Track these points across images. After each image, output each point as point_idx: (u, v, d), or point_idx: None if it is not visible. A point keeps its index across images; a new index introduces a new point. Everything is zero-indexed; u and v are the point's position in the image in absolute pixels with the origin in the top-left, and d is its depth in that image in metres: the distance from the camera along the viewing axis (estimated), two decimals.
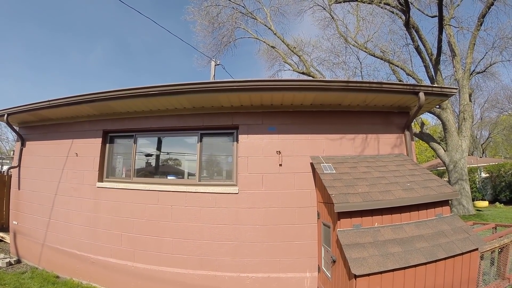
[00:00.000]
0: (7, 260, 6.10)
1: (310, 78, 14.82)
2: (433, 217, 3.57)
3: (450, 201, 3.78)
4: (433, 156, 30.89)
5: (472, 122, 14.82)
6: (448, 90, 4.62)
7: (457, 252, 3.12)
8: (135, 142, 5.46)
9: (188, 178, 5.17)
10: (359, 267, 2.82)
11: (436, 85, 6.81)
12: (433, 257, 3.02)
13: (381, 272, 2.87)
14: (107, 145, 5.70)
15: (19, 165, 6.83)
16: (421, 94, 4.32)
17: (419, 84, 4.80)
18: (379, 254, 2.97)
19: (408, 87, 4.46)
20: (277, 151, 4.63)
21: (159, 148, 5.58)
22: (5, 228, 7.90)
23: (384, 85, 4.38)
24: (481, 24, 12.98)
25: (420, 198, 3.50)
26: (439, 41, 11.72)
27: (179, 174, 5.40)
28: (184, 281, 4.54)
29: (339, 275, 3.34)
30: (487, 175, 19.28)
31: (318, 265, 4.28)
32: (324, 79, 4.38)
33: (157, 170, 5.60)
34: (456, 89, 4.99)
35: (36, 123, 6.69)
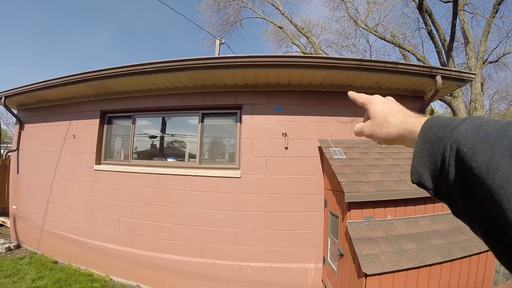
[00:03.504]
0: (7, 245, 6.05)
1: (323, 53, 14.38)
2: (449, 210, 3.30)
3: None
4: None
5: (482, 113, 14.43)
6: (466, 75, 4.40)
7: (474, 251, 2.91)
8: (133, 122, 5.25)
9: (188, 161, 4.97)
10: (370, 265, 2.59)
11: (454, 68, 6.47)
12: (450, 256, 2.80)
13: (393, 271, 2.63)
14: (105, 126, 5.51)
15: (17, 149, 6.73)
16: (438, 78, 4.07)
17: (436, 66, 4.51)
18: (392, 251, 2.73)
19: (425, 69, 4.24)
20: (283, 133, 4.36)
21: (158, 129, 5.38)
22: (7, 213, 7.83)
23: (399, 66, 4.14)
24: (496, 12, 12.43)
25: None
26: (453, 26, 11.25)
27: (179, 156, 5.20)
28: (182, 268, 4.39)
29: (347, 270, 3.12)
30: None
31: (324, 256, 4.07)
32: (335, 56, 4.08)
33: (156, 152, 5.41)
34: (475, 74, 4.72)
35: (34, 105, 6.55)
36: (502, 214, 0.31)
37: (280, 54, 6.26)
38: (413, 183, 0.46)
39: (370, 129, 0.59)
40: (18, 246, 6.29)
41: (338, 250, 3.36)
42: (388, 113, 0.56)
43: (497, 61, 16.16)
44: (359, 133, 0.64)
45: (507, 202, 0.31)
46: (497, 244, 0.34)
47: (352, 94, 0.68)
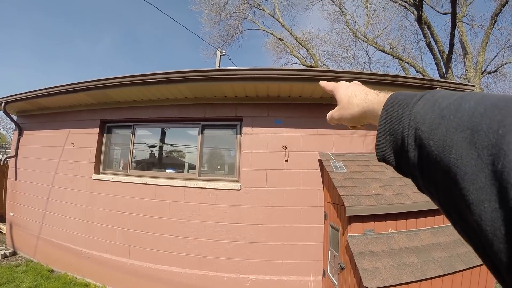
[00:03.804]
0: (3, 252, 5.97)
1: (321, 68, 14.49)
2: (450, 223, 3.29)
3: None
4: None
5: None
6: (466, 87, 4.44)
7: (476, 263, 2.89)
8: (133, 133, 5.22)
9: (188, 172, 4.94)
10: (371, 280, 2.56)
11: (454, 81, 6.52)
12: (451, 269, 2.78)
13: (395, 285, 2.61)
14: (105, 135, 5.48)
15: (16, 155, 6.68)
16: None
17: (436, 79, 4.55)
18: (393, 265, 2.71)
19: (424, 81, 4.28)
20: (283, 146, 4.35)
21: (158, 139, 5.34)
22: (3, 219, 7.78)
23: (399, 79, 4.20)
24: (494, 23, 12.55)
25: None
26: (451, 38, 11.33)
27: (178, 167, 5.16)
28: (180, 280, 4.33)
29: (348, 284, 3.09)
30: None
31: (323, 269, 4.03)
32: (336, 70, 4.11)
33: (155, 162, 5.37)
34: (474, 86, 4.76)
35: (34, 112, 6.52)
36: (458, 194, 0.30)
37: (281, 67, 6.29)
38: (378, 161, 0.46)
39: (338, 113, 0.61)
40: (14, 253, 6.22)
41: (339, 263, 3.33)
42: (351, 95, 0.57)
43: (495, 71, 16.27)
44: (330, 120, 0.66)
45: (462, 181, 0.29)
46: (456, 225, 0.34)
47: (322, 83, 0.71)
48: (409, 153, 0.38)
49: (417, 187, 0.41)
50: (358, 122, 0.58)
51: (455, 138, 0.31)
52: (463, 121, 0.31)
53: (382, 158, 0.45)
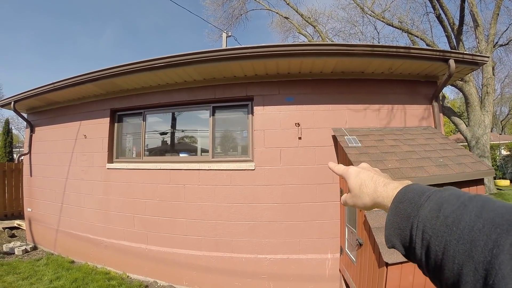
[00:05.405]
0: (23, 247, 6.10)
1: (331, 42, 14.19)
2: None
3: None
4: (451, 131, 29.74)
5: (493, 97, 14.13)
6: (479, 58, 4.27)
7: None
8: (144, 119, 5.20)
9: (201, 155, 4.93)
10: (391, 254, 2.51)
11: (467, 52, 6.31)
12: None
13: None
14: (116, 124, 5.48)
15: (29, 152, 6.77)
16: (451, 62, 3.96)
17: (449, 50, 4.39)
18: None
19: (437, 53, 4.12)
20: (295, 123, 4.27)
21: (169, 125, 5.32)
22: (22, 216, 7.95)
23: (412, 51, 4.05)
24: None
25: (455, 176, 3.16)
26: (462, 9, 10.97)
27: (191, 151, 5.16)
28: (199, 263, 4.37)
29: (366, 260, 3.04)
30: (508, 152, 18.51)
31: (341, 246, 4.01)
32: (347, 43, 3.98)
33: (168, 148, 5.37)
34: (488, 57, 4.59)
35: (43, 108, 6.55)
36: None
37: (290, 43, 6.15)
38: (388, 248, 0.50)
39: (351, 201, 0.65)
40: (34, 248, 6.36)
41: (357, 239, 3.29)
42: (361, 184, 0.61)
43: (507, 43, 15.77)
44: (344, 204, 0.69)
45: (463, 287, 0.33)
46: None
47: (331, 165, 0.74)
48: (416, 250, 0.43)
49: (422, 272, 0.45)
50: (370, 208, 0.61)
51: (457, 249, 0.35)
52: (464, 234, 0.35)
53: (391, 246, 0.49)
